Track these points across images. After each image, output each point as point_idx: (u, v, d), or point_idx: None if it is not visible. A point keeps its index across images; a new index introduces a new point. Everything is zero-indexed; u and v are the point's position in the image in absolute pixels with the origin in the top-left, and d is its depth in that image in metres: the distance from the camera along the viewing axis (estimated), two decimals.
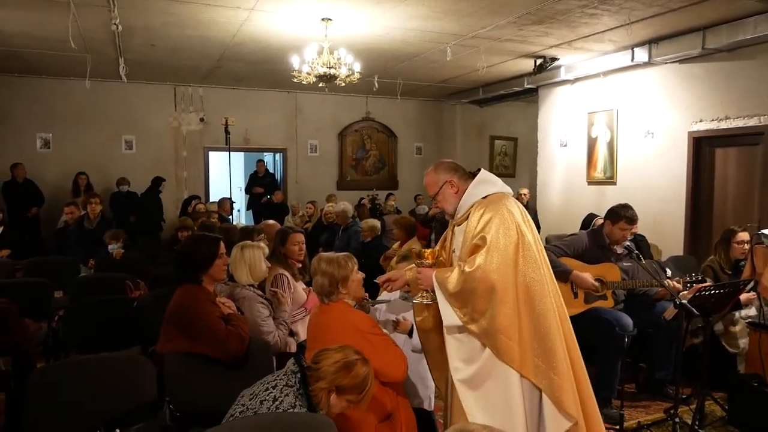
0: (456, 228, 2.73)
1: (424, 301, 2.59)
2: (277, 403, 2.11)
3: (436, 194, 2.73)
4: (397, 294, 3.13)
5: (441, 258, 2.75)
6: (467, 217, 2.62)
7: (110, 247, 5.86)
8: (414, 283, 2.71)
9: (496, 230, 2.45)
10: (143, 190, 9.66)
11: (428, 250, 2.66)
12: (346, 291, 2.74)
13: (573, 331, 2.61)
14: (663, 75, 7.15)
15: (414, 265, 2.74)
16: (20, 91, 9.31)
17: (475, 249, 2.48)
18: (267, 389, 2.17)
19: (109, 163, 9.86)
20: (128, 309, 3.99)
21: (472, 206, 2.62)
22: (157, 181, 9.60)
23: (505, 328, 2.39)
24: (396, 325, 3.12)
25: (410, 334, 3.05)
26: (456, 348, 2.50)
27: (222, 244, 3.09)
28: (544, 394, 2.41)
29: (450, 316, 2.46)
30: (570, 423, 2.41)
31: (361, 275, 2.84)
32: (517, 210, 2.55)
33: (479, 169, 2.74)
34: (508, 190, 2.70)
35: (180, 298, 2.93)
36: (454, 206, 2.71)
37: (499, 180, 2.72)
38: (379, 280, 2.88)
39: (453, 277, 2.45)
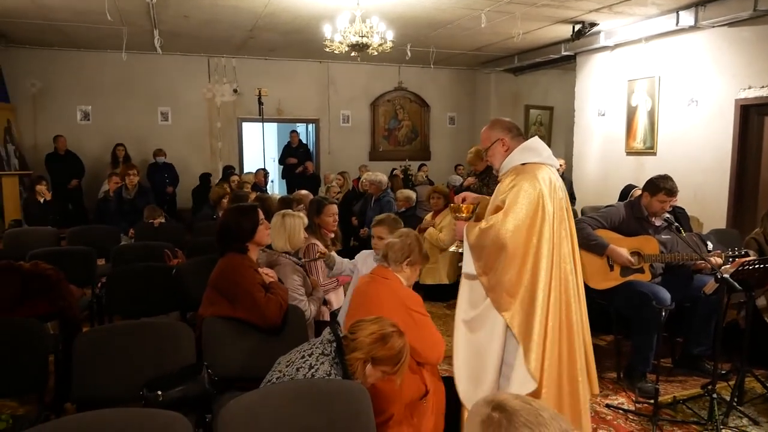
0: (499, 185, 2.86)
1: (459, 250, 2.79)
2: (313, 370, 2.14)
3: (487, 149, 2.88)
4: (371, 256, 3.48)
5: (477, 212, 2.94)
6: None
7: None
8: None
9: (516, 196, 2.58)
10: (179, 162, 9.80)
11: (464, 205, 2.85)
12: (407, 272, 2.78)
13: (585, 314, 2.79)
14: (710, 39, 6.85)
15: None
16: (61, 64, 9.51)
17: (497, 209, 2.65)
18: (303, 357, 2.21)
19: (146, 135, 10.04)
20: (167, 276, 4.09)
21: (510, 169, 2.75)
22: (205, 178, 9.66)
23: (509, 286, 2.57)
24: None
25: None
26: (467, 292, 2.74)
27: (260, 211, 3.18)
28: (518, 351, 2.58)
29: (468, 264, 2.69)
30: (533, 386, 2.52)
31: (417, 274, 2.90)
32: (547, 183, 2.64)
33: (534, 136, 2.86)
34: (553, 161, 2.77)
35: (224, 265, 3.01)
36: (501, 163, 2.83)
37: (547, 150, 2.79)
38: (458, 197, 3.02)
39: (474, 231, 2.66)
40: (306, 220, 3.82)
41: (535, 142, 2.80)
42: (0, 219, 8.24)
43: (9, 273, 3.40)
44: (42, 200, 7.13)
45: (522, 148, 2.76)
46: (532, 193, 2.59)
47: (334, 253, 3.67)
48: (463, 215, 2.83)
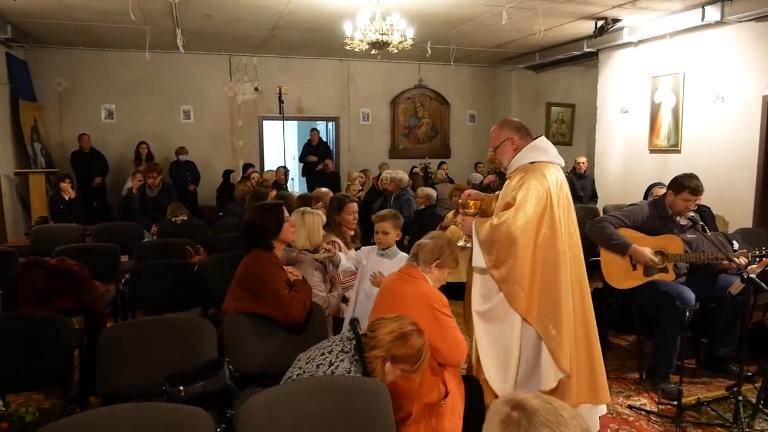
0: (507, 182, 3.00)
1: (468, 245, 2.93)
2: (333, 367, 2.15)
3: (497, 148, 3.02)
4: (374, 251, 3.56)
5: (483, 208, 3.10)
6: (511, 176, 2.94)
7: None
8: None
9: (526, 193, 2.76)
10: (201, 160, 9.91)
11: (472, 202, 3.01)
12: (436, 274, 2.77)
13: (591, 305, 2.95)
14: (736, 35, 6.72)
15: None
16: (86, 63, 9.66)
17: (507, 206, 2.81)
18: (323, 354, 2.22)
19: (168, 133, 10.16)
20: (189, 273, 4.14)
21: (519, 168, 2.91)
22: (227, 175, 9.75)
23: (520, 279, 2.74)
24: (373, 278, 3.35)
25: None
26: (480, 284, 2.91)
27: (284, 209, 3.23)
28: (543, 344, 2.76)
29: (478, 258, 2.85)
30: (562, 375, 2.76)
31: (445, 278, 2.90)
32: (555, 181, 2.82)
33: (540, 135, 3.00)
34: (559, 160, 2.94)
35: (250, 262, 3.05)
36: (510, 162, 2.99)
37: (553, 149, 2.96)
38: (464, 194, 3.15)
39: (485, 227, 2.81)
40: (324, 218, 3.84)
41: (543, 141, 2.97)
42: (27, 216, 8.42)
43: (36, 269, 3.48)
44: (67, 198, 7.27)
45: (530, 147, 2.93)
46: (540, 190, 2.76)
47: (338, 252, 3.69)
48: (471, 211, 2.98)
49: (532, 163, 2.88)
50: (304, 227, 3.61)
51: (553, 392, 2.77)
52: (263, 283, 2.94)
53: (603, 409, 3.11)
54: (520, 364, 2.84)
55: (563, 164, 2.98)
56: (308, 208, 3.84)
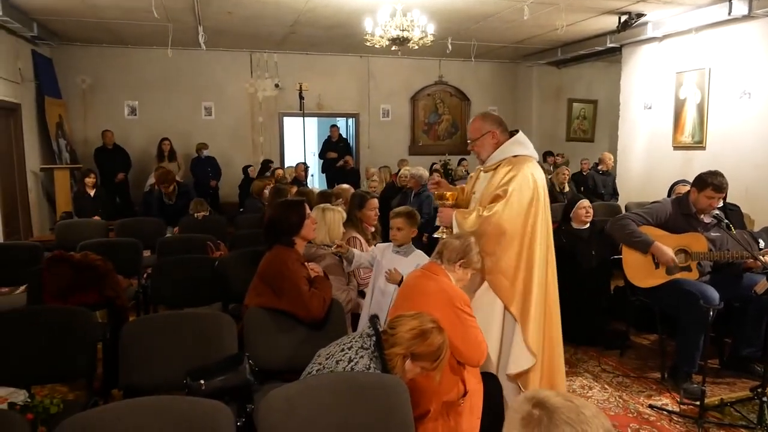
0: (482, 174, 3.12)
1: (443, 236, 2.98)
2: (352, 364, 2.16)
3: (477, 139, 3.08)
4: (389, 248, 3.56)
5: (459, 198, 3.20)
6: (495, 168, 3.01)
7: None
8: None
9: (517, 186, 2.85)
10: (221, 156, 9.99)
11: (449, 193, 3.08)
12: (459, 273, 2.75)
13: (556, 291, 3.05)
14: (764, 29, 6.57)
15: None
16: (109, 60, 9.80)
17: (496, 198, 2.88)
18: (342, 350, 2.22)
19: (190, 129, 10.26)
20: (210, 268, 4.18)
21: (503, 160, 2.99)
22: (245, 170, 9.78)
23: (505, 269, 2.85)
24: (387, 275, 3.32)
25: (399, 284, 3.14)
26: None
27: (307, 206, 3.24)
28: (517, 328, 2.88)
29: None
30: (531, 360, 2.88)
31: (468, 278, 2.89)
32: (539, 174, 2.95)
33: (517, 130, 3.10)
34: (536, 155, 3.07)
35: (272, 257, 3.07)
36: (489, 154, 3.06)
37: (530, 144, 3.07)
38: (433, 182, 3.30)
39: (471, 218, 2.88)
40: (345, 215, 3.86)
41: (522, 136, 3.07)
42: (52, 211, 8.58)
43: (61, 263, 3.54)
44: (92, 193, 7.37)
45: (513, 141, 3.02)
46: (530, 182, 2.87)
47: (352, 248, 3.70)
48: (449, 202, 3.05)
49: (515, 156, 2.98)
50: (325, 223, 3.64)
51: (518, 375, 2.93)
52: (284, 279, 2.95)
53: None
54: (502, 349, 2.95)
55: (537, 158, 3.10)
56: (329, 205, 3.87)
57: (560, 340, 3.08)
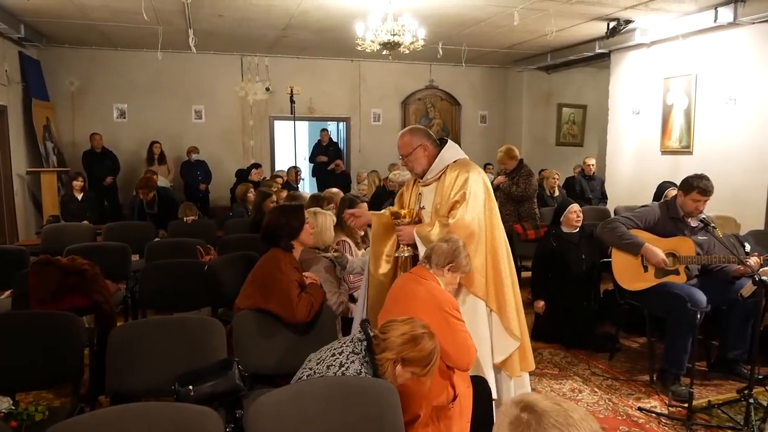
0: (424, 188, 3.14)
1: (405, 254, 3.03)
2: (343, 369, 2.15)
3: (409, 155, 3.08)
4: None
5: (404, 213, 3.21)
6: (439, 178, 3.05)
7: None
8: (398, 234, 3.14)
9: (471, 187, 2.93)
10: (212, 159, 9.95)
11: (405, 210, 3.08)
12: (447, 277, 2.75)
13: (516, 278, 3.13)
14: (749, 36, 6.65)
15: (383, 212, 3.26)
16: (99, 63, 9.73)
17: (455, 205, 2.94)
18: (333, 355, 2.22)
19: (180, 132, 10.21)
20: (199, 272, 4.15)
21: (446, 168, 3.04)
22: (238, 174, 9.70)
23: (480, 267, 2.92)
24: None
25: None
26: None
27: (305, 211, 3.29)
28: (496, 319, 2.97)
29: None
30: (516, 343, 2.99)
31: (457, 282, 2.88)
32: (483, 172, 3.07)
33: (445, 138, 3.18)
34: (467, 157, 3.17)
35: (267, 259, 3.10)
36: (424, 168, 3.09)
37: (460, 148, 3.18)
38: (345, 213, 3.38)
39: (436, 230, 2.91)
40: (335, 218, 3.86)
41: (452, 142, 3.16)
42: (38, 215, 8.50)
43: (47, 268, 3.51)
44: (80, 197, 7.31)
45: (449, 147, 3.11)
46: (480, 181, 2.98)
47: (346, 254, 3.73)
48: (406, 220, 3.03)
49: (456, 161, 3.06)
50: (316, 227, 3.64)
51: (503, 363, 3.01)
52: (275, 280, 2.96)
53: (527, 377, 3.24)
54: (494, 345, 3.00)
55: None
56: (319, 209, 3.86)
57: (525, 323, 3.17)
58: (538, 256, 4.94)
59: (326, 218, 3.72)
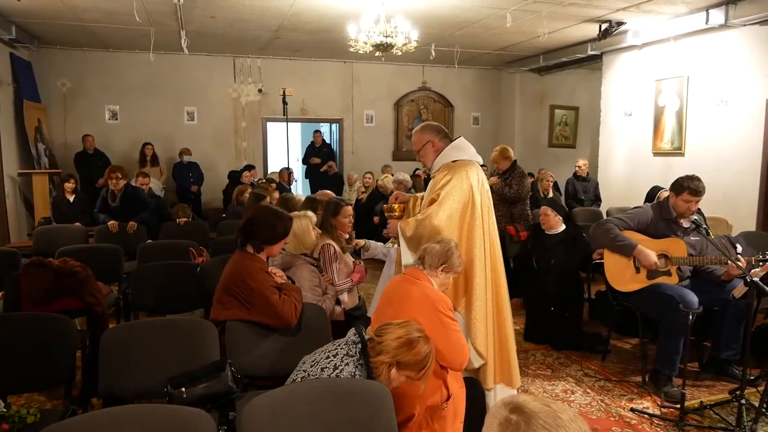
0: (432, 180, 3.20)
1: (394, 246, 3.15)
2: (338, 371, 2.15)
3: (419, 150, 3.22)
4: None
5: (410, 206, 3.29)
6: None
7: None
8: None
9: (450, 189, 2.95)
10: (204, 161, 9.92)
11: (397, 204, 3.19)
12: (441, 278, 2.75)
13: (506, 293, 3.14)
14: (741, 38, 6.71)
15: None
16: (90, 64, 9.68)
17: (432, 202, 3.00)
18: (328, 357, 2.21)
19: (172, 134, 10.17)
20: (192, 274, 4.14)
21: (442, 166, 3.10)
22: (231, 175, 9.70)
23: None
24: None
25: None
26: None
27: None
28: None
29: (407, 256, 3.02)
30: (481, 361, 2.95)
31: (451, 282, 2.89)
32: (476, 177, 3.05)
33: (459, 137, 3.23)
34: (478, 159, 3.18)
35: (235, 268, 2.99)
36: (432, 162, 3.20)
37: (471, 149, 3.19)
38: (392, 197, 3.39)
39: (410, 224, 2.99)
40: (314, 219, 3.78)
41: (462, 141, 3.19)
42: (30, 217, 8.44)
43: (39, 269, 3.49)
44: (72, 198, 7.26)
45: (451, 147, 3.14)
46: (464, 186, 2.97)
47: (369, 241, 3.86)
48: (396, 214, 3.15)
49: (454, 161, 3.09)
50: (294, 234, 3.50)
51: (475, 372, 3.00)
52: (252, 291, 2.89)
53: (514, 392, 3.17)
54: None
55: (481, 162, 3.21)
56: (297, 213, 3.75)
57: (512, 336, 3.14)
58: (518, 257, 5.10)
59: (302, 221, 3.59)
